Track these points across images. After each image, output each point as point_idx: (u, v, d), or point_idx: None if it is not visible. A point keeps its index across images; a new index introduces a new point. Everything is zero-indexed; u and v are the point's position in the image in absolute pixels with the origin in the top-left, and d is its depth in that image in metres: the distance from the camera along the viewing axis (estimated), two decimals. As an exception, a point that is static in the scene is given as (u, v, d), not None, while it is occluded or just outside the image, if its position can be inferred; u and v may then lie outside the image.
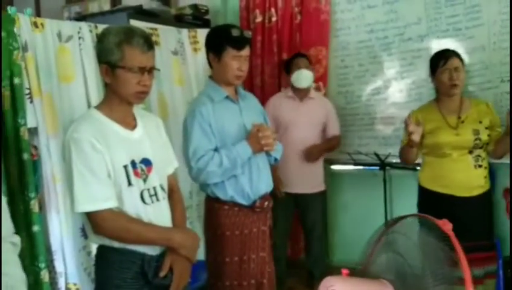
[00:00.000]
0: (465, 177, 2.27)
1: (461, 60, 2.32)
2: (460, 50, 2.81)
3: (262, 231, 2.03)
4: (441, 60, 2.30)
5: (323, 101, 3.00)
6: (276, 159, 2.18)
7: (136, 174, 1.49)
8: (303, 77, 2.78)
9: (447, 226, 1.15)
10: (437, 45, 2.93)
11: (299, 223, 3.01)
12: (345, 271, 1.31)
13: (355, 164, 3.23)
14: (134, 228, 1.46)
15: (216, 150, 1.91)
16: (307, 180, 2.81)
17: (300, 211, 2.87)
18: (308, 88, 2.87)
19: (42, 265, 1.91)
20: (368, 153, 3.13)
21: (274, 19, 3.38)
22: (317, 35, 3.30)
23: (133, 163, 1.49)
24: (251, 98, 2.18)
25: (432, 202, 2.33)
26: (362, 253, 1.54)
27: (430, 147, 2.35)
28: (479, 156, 2.28)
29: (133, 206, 1.48)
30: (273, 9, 3.37)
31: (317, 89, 3.31)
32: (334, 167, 3.41)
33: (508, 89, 2.77)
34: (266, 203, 2.03)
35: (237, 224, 1.97)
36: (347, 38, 3.26)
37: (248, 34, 1.99)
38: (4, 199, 1.22)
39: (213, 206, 2.01)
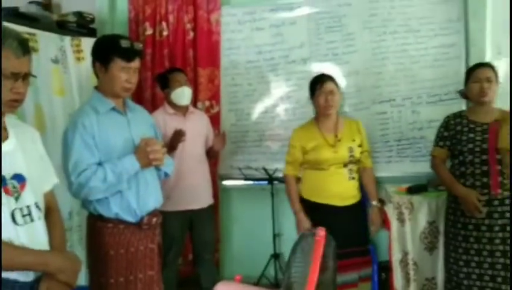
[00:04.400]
0: (341, 189, 2.51)
1: (336, 84, 2.57)
2: (338, 74, 3.11)
3: (150, 249, 1.95)
4: (317, 84, 2.53)
5: (201, 114, 3.02)
6: (166, 174, 2.13)
7: (7, 191, 1.33)
8: (186, 95, 2.74)
9: (320, 232, 1.23)
10: (318, 68, 3.18)
11: (189, 241, 2.95)
12: (238, 277, 1.32)
13: (246, 179, 3.31)
14: (4, 251, 1.29)
15: (100, 164, 1.80)
16: (198, 195, 2.78)
17: (193, 228, 2.82)
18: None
19: None
20: (257, 168, 3.24)
21: (165, 33, 3.36)
22: (210, 55, 3.36)
23: (3, 179, 1.33)
24: (140, 110, 2.11)
25: (312, 212, 2.52)
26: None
27: (311, 163, 2.56)
28: (351, 169, 2.53)
29: (3, 228, 1.31)
30: (164, 24, 3.35)
31: (211, 107, 3.35)
32: (225, 183, 3.45)
33: (379, 110, 3.12)
34: (154, 219, 1.96)
35: (122, 243, 1.86)
36: (237, 58, 3.37)
37: (138, 45, 1.94)
38: None
39: (96, 224, 1.88)
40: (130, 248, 1.88)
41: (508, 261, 2.25)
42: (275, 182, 3.21)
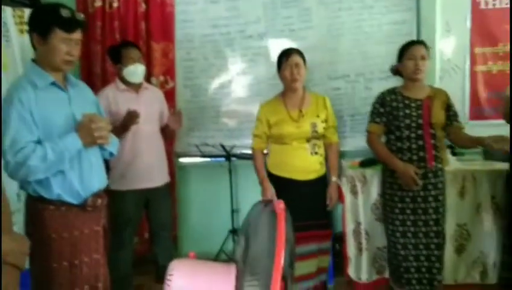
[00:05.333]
0: (303, 163, 2.51)
1: (302, 57, 2.53)
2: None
3: (95, 232, 1.88)
4: (283, 57, 2.51)
5: (155, 90, 2.92)
6: (112, 154, 2.05)
7: None
8: (139, 72, 2.65)
9: (279, 205, 1.23)
10: (275, 44, 3.16)
11: (145, 219, 2.91)
12: (192, 254, 1.31)
13: (203, 156, 3.29)
14: None
15: (39, 142, 1.71)
16: (154, 173, 2.73)
17: (149, 206, 2.78)
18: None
19: None
20: (214, 144, 3.22)
21: (115, 4, 3.22)
22: (164, 28, 3.26)
23: None
24: (83, 86, 2.00)
25: (276, 186, 2.53)
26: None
27: (275, 137, 2.56)
28: (315, 144, 2.54)
29: None
30: (114, -5, 3.20)
31: (165, 82, 3.26)
32: (182, 160, 3.41)
33: (334, 85, 3.16)
34: (99, 201, 1.88)
35: (65, 225, 1.79)
36: (192, 31, 3.28)
37: (80, 16, 1.82)
38: None
39: (36, 206, 1.79)
40: (74, 231, 1.80)
41: (440, 229, 2.41)
42: (233, 158, 3.21)
